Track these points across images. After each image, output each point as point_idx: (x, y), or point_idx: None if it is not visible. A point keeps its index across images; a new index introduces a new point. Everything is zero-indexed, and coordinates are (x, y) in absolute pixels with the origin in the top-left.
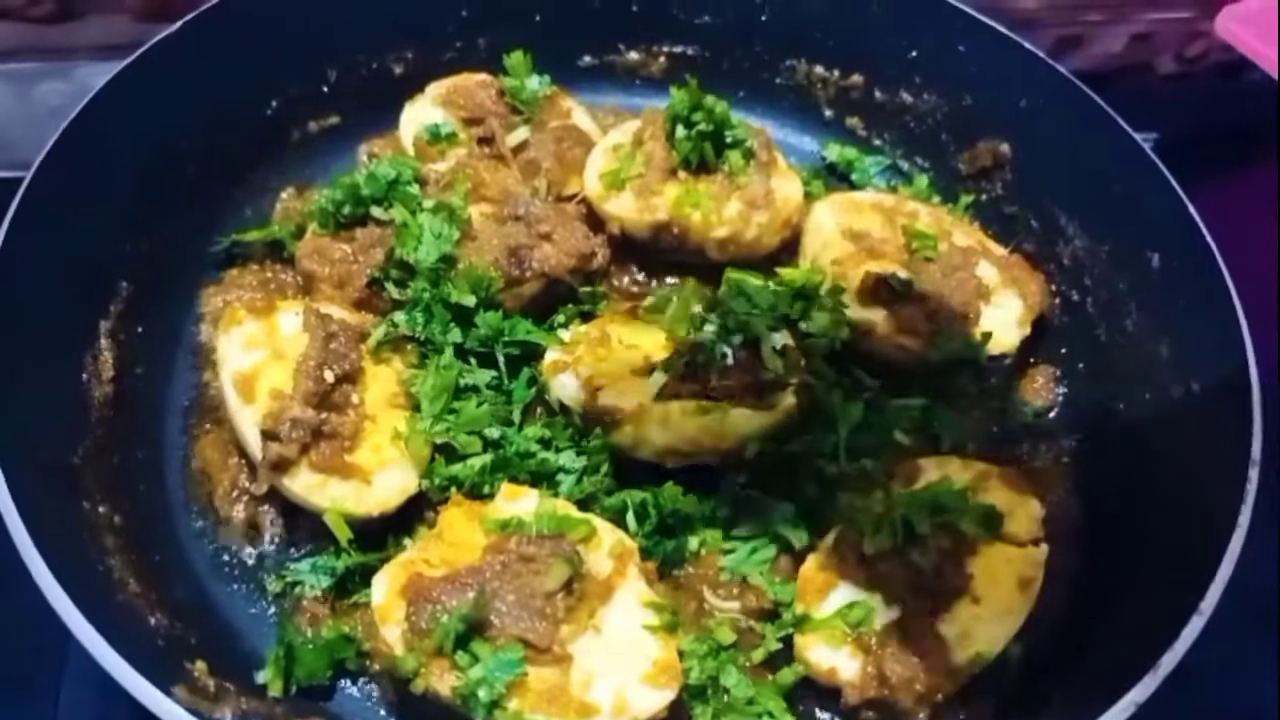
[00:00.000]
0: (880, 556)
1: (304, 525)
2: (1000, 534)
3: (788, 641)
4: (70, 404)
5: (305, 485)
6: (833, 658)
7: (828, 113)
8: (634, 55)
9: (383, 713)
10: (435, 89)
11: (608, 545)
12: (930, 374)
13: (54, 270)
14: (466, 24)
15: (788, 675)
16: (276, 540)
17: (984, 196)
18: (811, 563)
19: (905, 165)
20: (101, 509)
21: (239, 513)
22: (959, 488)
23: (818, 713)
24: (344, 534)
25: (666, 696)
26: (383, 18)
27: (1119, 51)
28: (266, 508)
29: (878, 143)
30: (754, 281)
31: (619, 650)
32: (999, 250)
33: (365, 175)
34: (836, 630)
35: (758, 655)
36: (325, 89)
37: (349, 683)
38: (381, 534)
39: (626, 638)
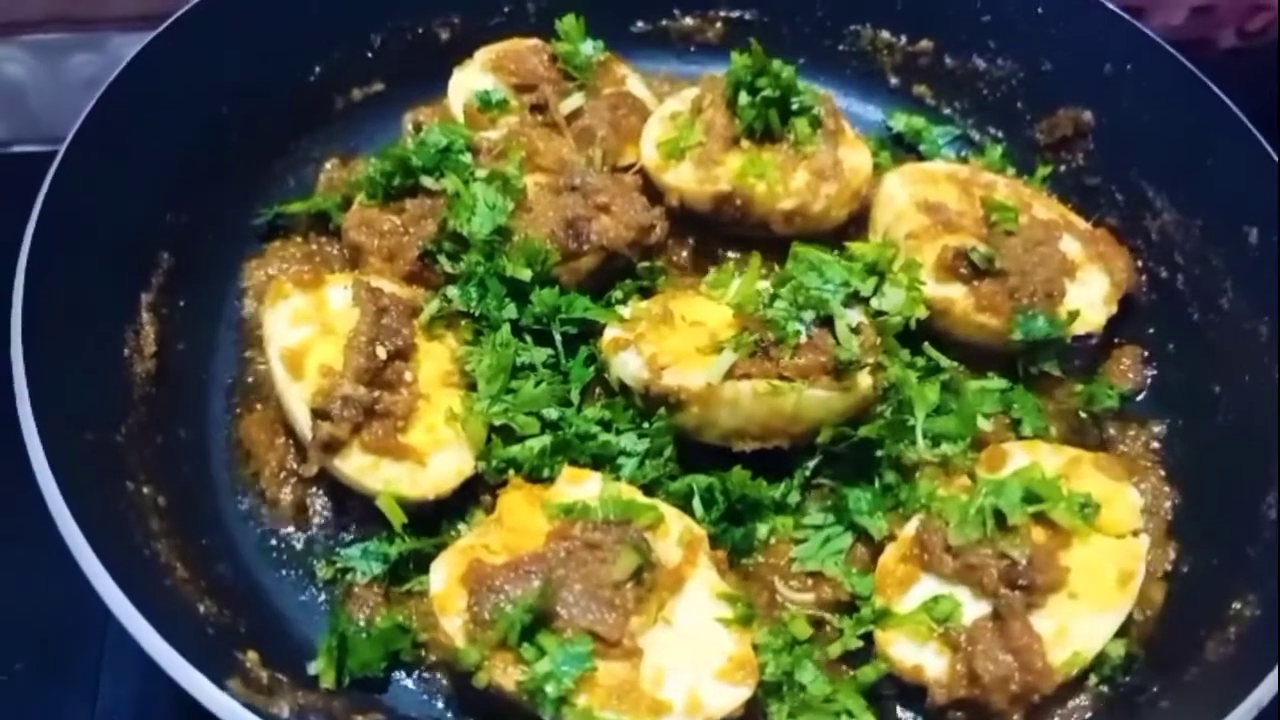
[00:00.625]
0: (969, 548)
1: (355, 509)
2: (1097, 524)
3: (867, 637)
4: (113, 380)
5: (357, 467)
6: (918, 655)
7: (893, 80)
8: (689, 20)
9: (440, 705)
10: (484, 54)
11: (676, 533)
12: (1010, 355)
13: (92, 244)
14: None
15: (869, 673)
16: (326, 524)
17: (1063, 168)
18: (891, 553)
19: (977, 135)
20: (146, 490)
21: (287, 495)
22: (1051, 475)
23: (899, 711)
24: (398, 518)
25: (743, 694)
26: None
27: (1180, 24)
28: (315, 490)
29: (947, 111)
30: (825, 256)
31: (692, 644)
32: (1082, 224)
33: (416, 143)
34: (921, 625)
35: (835, 650)
36: (369, 55)
37: (404, 675)
38: (436, 518)
39: (699, 631)
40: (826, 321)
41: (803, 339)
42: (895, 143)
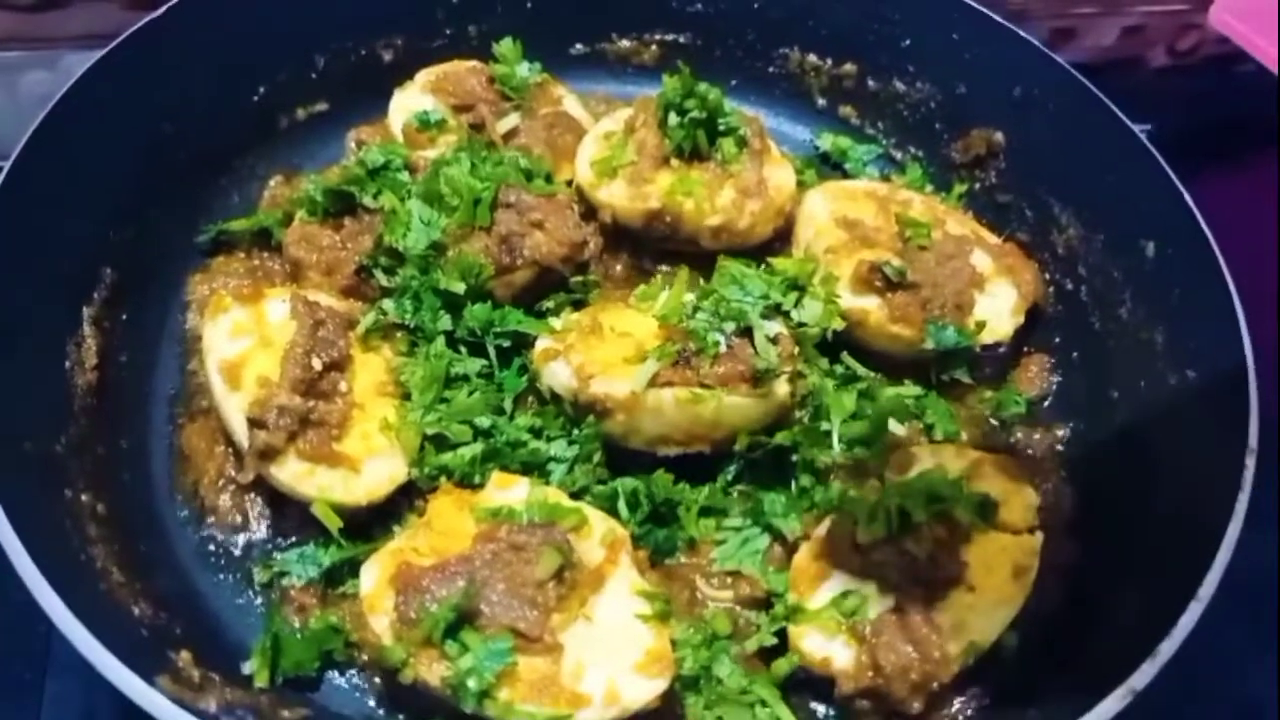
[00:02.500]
0: (874, 546)
1: (292, 515)
2: (995, 522)
3: (781, 634)
4: (53, 393)
5: (293, 474)
6: (826, 647)
7: (820, 101)
8: (625, 43)
9: (371, 703)
10: (425, 76)
11: (599, 534)
12: (924, 364)
13: (35, 258)
14: (456, 11)
15: (782, 665)
16: (264, 530)
17: (977, 185)
18: (805, 552)
19: (898, 154)
20: (84, 498)
21: (225, 502)
22: (954, 476)
23: (812, 704)
24: (333, 523)
25: (659, 686)
26: (372, 4)
27: (1111, 44)
28: (253, 497)
29: (871, 131)
30: (747, 270)
31: (611, 640)
32: (993, 239)
33: (354, 162)
34: (830, 620)
35: (751, 645)
36: (314, 75)
37: (337, 674)
38: (370, 524)
39: (618, 627)
40: (746, 332)
41: (723, 349)
42: (822, 161)
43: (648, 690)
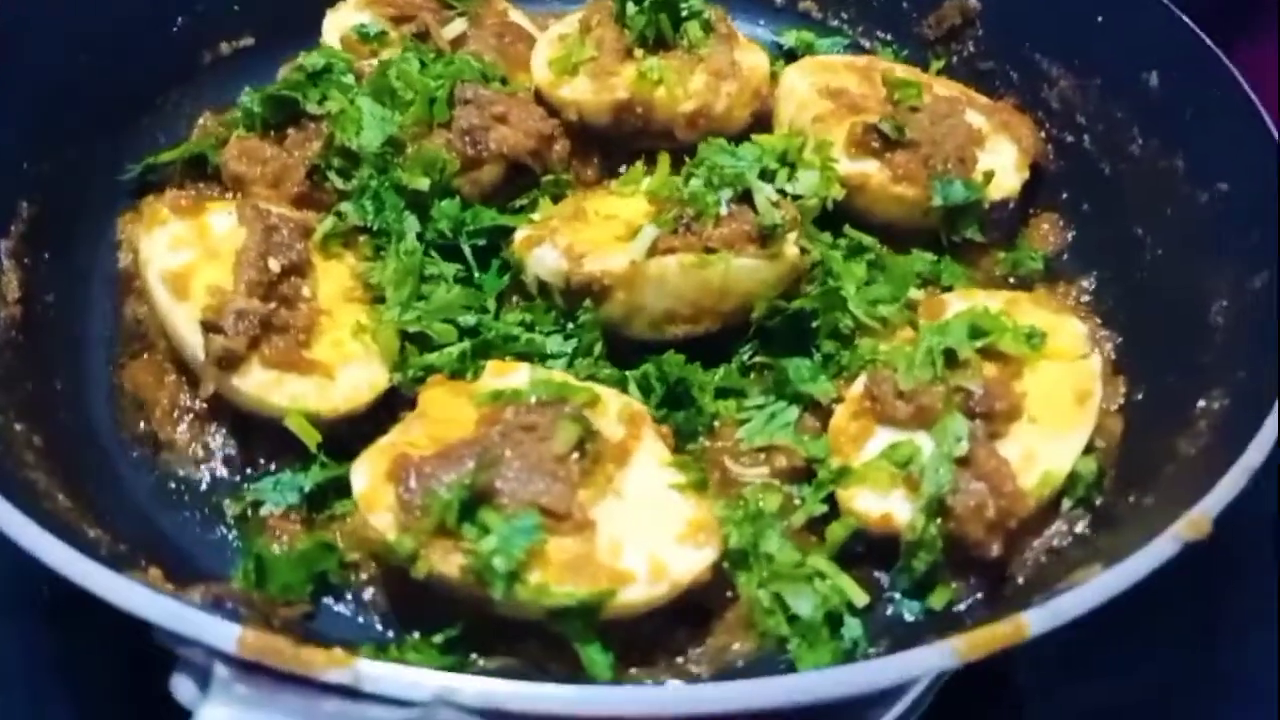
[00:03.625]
0: (920, 390)
1: (260, 441)
2: (1046, 351)
3: (829, 501)
4: None
5: (259, 384)
6: (884, 503)
7: (778, 0)
8: None
9: (379, 626)
10: None
11: (615, 410)
12: (931, 228)
13: None
14: None
15: (837, 530)
16: (230, 460)
17: (955, 59)
18: (842, 414)
19: (866, 42)
20: (18, 426)
21: (182, 433)
22: (995, 310)
23: (875, 574)
24: (310, 437)
25: (708, 556)
26: None
27: None
28: (214, 426)
29: (834, 23)
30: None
31: (646, 513)
32: (983, 99)
33: (292, 68)
34: (883, 474)
35: (799, 519)
36: (236, 7)
37: (333, 601)
38: (351, 444)
39: (652, 500)
40: (744, 198)
41: (724, 211)
42: (788, 59)
43: (696, 561)
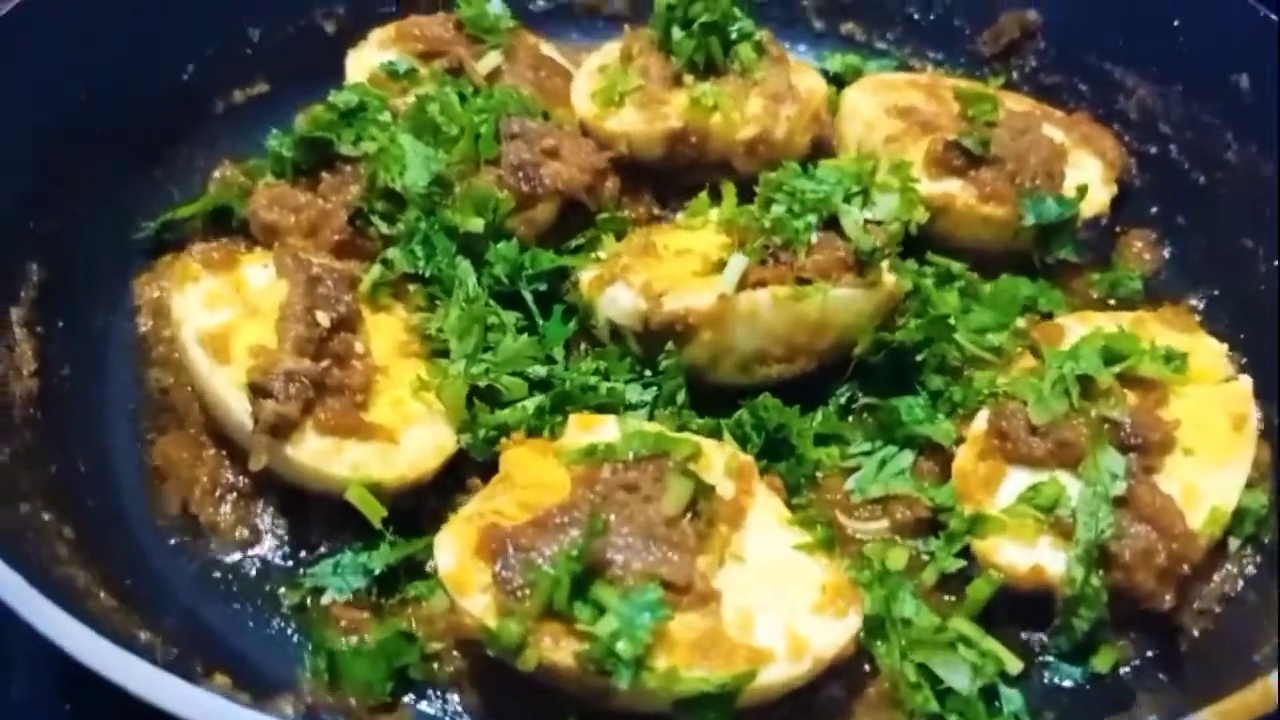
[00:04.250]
0: (1056, 424)
1: (315, 519)
2: (1189, 374)
3: (964, 554)
4: None
5: (315, 452)
6: (1031, 554)
7: (818, 24)
8: None
9: None
10: (380, 33)
11: (720, 463)
12: (1021, 251)
13: None
14: None
15: (982, 588)
16: (282, 542)
17: (1015, 74)
18: (965, 455)
19: (916, 63)
20: (46, 516)
21: (226, 515)
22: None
23: (1022, 635)
24: (374, 511)
25: (851, 625)
26: None
27: None
28: (261, 504)
29: (881, 45)
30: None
31: (774, 579)
32: (1057, 113)
33: (324, 106)
34: (1026, 520)
35: (930, 576)
36: (248, 51)
37: (415, 697)
38: (416, 517)
39: (778, 564)
40: (829, 225)
41: (814, 237)
42: (834, 84)
43: (839, 632)
